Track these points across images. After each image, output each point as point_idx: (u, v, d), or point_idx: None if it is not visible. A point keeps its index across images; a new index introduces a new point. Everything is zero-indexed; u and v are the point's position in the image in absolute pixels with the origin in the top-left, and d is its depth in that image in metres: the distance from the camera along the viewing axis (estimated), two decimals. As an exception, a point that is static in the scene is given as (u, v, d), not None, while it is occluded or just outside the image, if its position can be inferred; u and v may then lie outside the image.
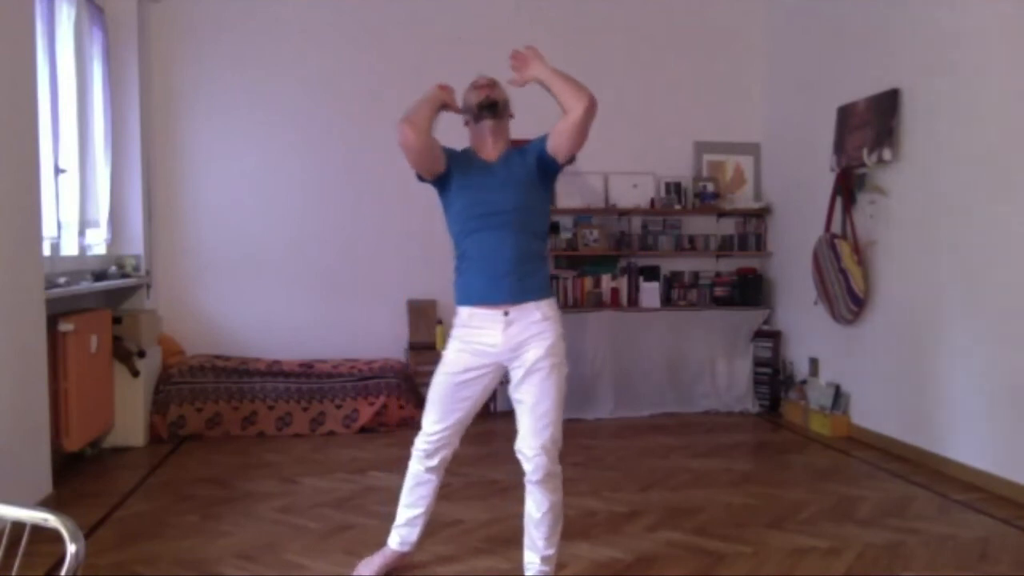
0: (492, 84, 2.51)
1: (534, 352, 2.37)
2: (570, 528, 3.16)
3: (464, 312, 2.46)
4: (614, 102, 5.83)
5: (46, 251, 3.83)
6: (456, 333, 2.50)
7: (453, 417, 2.53)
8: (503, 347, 2.39)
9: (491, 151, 2.52)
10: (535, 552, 2.55)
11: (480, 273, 2.40)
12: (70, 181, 4.25)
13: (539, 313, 2.40)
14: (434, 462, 2.58)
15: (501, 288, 2.37)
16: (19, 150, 3.33)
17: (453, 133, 2.69)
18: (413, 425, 4.98)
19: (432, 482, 2.64)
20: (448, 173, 2.49)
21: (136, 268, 4.98)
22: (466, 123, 2.58)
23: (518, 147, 2.54)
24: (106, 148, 4.76)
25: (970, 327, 3.94)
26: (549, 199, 2.58)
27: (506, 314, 2.37)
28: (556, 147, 2.42)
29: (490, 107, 2.47)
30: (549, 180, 2.53)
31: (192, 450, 4.55)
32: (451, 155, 2.52)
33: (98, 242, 4.77)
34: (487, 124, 2.50)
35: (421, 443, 2.58)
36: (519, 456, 2.46)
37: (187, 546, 3.05)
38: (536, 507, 2.49)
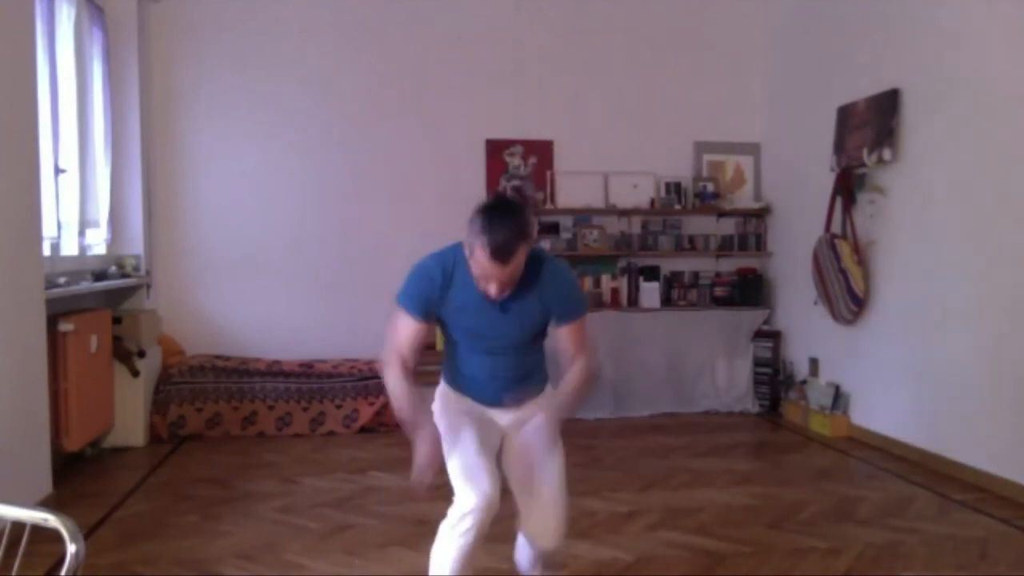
0: (506, 284, 1.99)
1: (533, 422, 2.19)
2: (570, 528, 3.16)
3: (466, 398, 2.26)
4: (614, 102, 5.85)
5: (46, 251, 3.83)
6: (453, 398, 2.26)
7: (488, 448, 2.19)
8: (509, 423, 2.26)
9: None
10: (532, 569, 2.48)
11: (481, 385, 2.22)
12: (70, 181, 4.25)
13: (543, 399, 2.27)
14: (484, 525, 2.10)
15: (506, 398, 2.20)
16: (19, 150, 3.33)
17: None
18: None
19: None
20: (439, 311, 2.15)
21: (136, 268, 4.98)
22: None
23: (527, 275, 2.06)
24: (106, 148, 4.76)
25: (970, 327, 3.93)
26: None
27: (514, 409, 2.23)
28: (556, 336, 2.19)
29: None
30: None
31: (192, 450, 4.55)
32: (439, 289, 2.09)
33: (98, 242, 4.77)
34: None
35: (468, 507, 2.06)
36: (525, 537, 2.33)
37: (187, 546, 3.05)
38: (531, 553, 2.39)
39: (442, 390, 2.31)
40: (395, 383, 2.12)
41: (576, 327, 2.17)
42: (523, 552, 2.47)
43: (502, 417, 2.25)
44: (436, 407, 2.26)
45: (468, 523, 2.06)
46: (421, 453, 2.03)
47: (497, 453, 2.25)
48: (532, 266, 2.05)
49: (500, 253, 1.89)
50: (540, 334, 2.20)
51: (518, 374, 2.21)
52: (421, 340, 2.14)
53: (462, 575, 2.13)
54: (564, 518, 2.26)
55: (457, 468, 2.12)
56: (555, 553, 2.35)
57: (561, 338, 2.18)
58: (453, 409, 2.23)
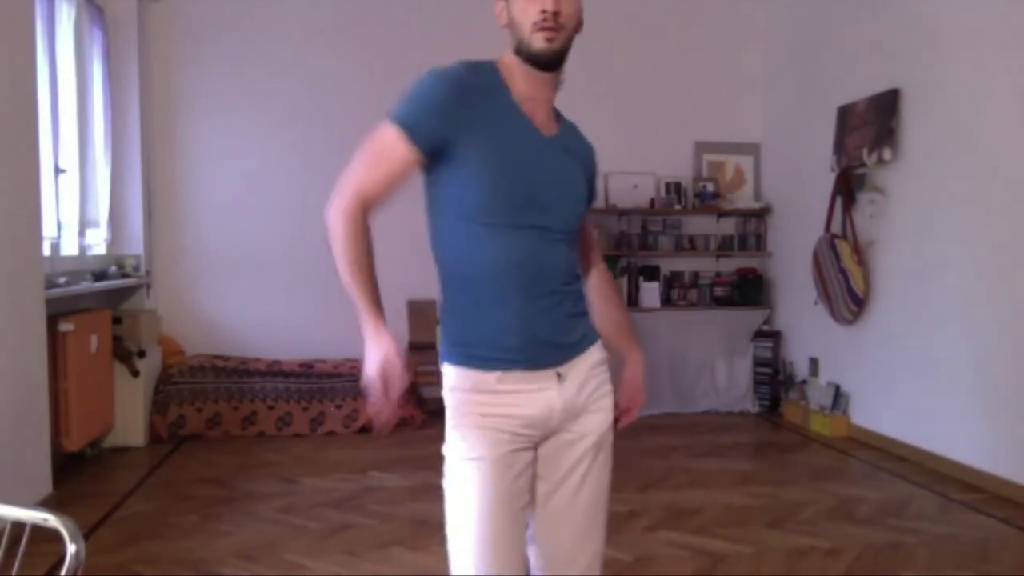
0: (558, 18, 1.39)
1: (596, 418, 1.48)
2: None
3: (480, 378, 1.41)
4: (614, 102, 5.85)
5: (46, 251, 3.83)
6: (463, 402, 1.42)
7: (517, 548, 1.43)
8: (558, 413, 1.44)
9: (546, 117, 1.48)
10: None
11: (521, 315, 1.40)
12: (70, 181, 4.25)
13: (598, 355, 1.53)
14: None
15: (563, 337, 1.45)
16: (19, 150, 3.33)
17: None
18: (413, 425, 5.00)
19: None
20: (453, 147, 1.38)
21: (136, 268, 4.98)
22: (504, 25, 1.46)
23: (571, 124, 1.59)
24: (106, 148, 4.77)
25: (970, 327, 3.93)
26: None
27: (559, 375, 1.44)
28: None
29: (553, 61, 1.42)
30: None
31: (192, 450, 4.55)
32: (465, 105, 1.37)
33: (98, 242, 4.77)
34: (545, 76, 1.45)
35: None
36: None
37: (187, 546, 3.05)
38: None
39: (454, 386, 1.44)
40: (347, 236, 1.42)
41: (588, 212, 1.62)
42: None
43: (557, 404, 1.43)
44: (448, 442, 1.45)
45: None
46: (376, 375, 1.31)
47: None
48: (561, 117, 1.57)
49: None
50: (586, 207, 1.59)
51: (574, 290, 1.49)
52: (398, 187, 1.42)
53: None
54: (600, 552, 1.53)
55: (465, 550, 1.42)
56: None
57: (583, 226, 1.63)
58: (471, 421, 1.41)
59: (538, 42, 1.38)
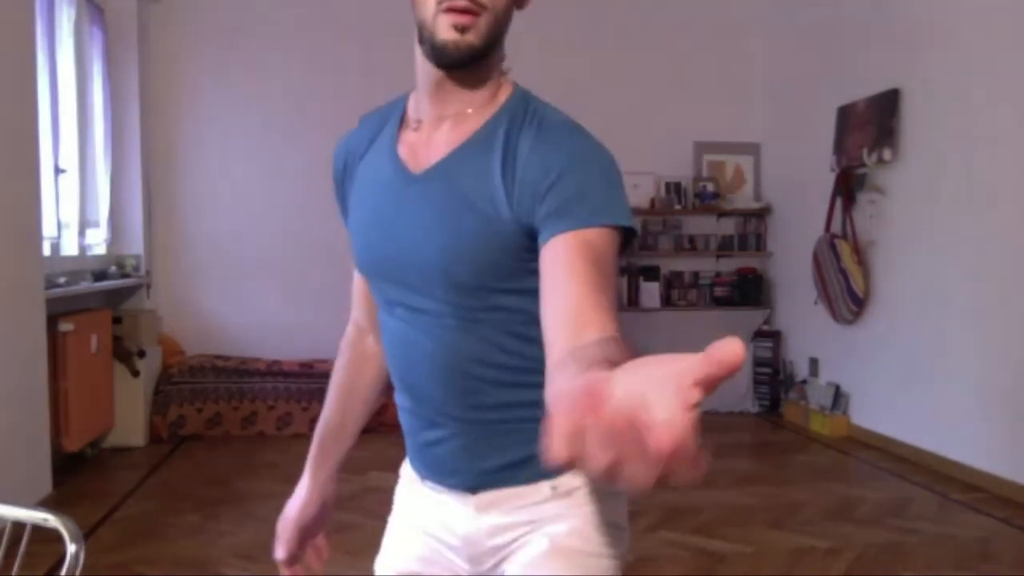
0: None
1: (524, 553, 1.04)
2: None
3: (406, 471, 1.25)
4: (614, 102, 5.84)
5: (46, 251, 3.83)
6: (398, 491, 1.30)
7: None
8: (471, 546, 1.09)
9: (429, 143, 1.01)
10: None
11: (410, 417, 1.15)
12: (70, 181, 4.26)
13: (547, 490, 1.04)
14: None
15: (438, 457, 1.11)
16: (19, 150, 3.33)
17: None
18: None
19: None
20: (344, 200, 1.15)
21: (136, 268, 4.98)
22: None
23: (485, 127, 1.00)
24: (106, 148, 4.77)
25: (970, 327, 3.93)
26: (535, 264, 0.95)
27: (474, 500, 1.08)
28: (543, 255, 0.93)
29: (464, 61, 0.95)
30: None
31: (192, 450, 4.55)
32: (350, 162, 1.12)
33: (98, 242, 4.77)
34: (438, 77, 0.99)
35: None
36: None
37: (187, 546, 3.05)
38: None
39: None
40: (333, 375, 1.33)
41: (580, 248, 0.89)
42: None
43: (469, 529, 1.08)
44: None
45: None
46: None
47: None
48: (506, 112, 1.00)
49: None
50: (508, 269, 0.98)
51: (468, 384, 1.03)
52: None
53: None
54: None
55: None
56: None
57: (549, 279, 0.89)
58: (394, 511, 1.29)
59: (443, 30, 0.92)
